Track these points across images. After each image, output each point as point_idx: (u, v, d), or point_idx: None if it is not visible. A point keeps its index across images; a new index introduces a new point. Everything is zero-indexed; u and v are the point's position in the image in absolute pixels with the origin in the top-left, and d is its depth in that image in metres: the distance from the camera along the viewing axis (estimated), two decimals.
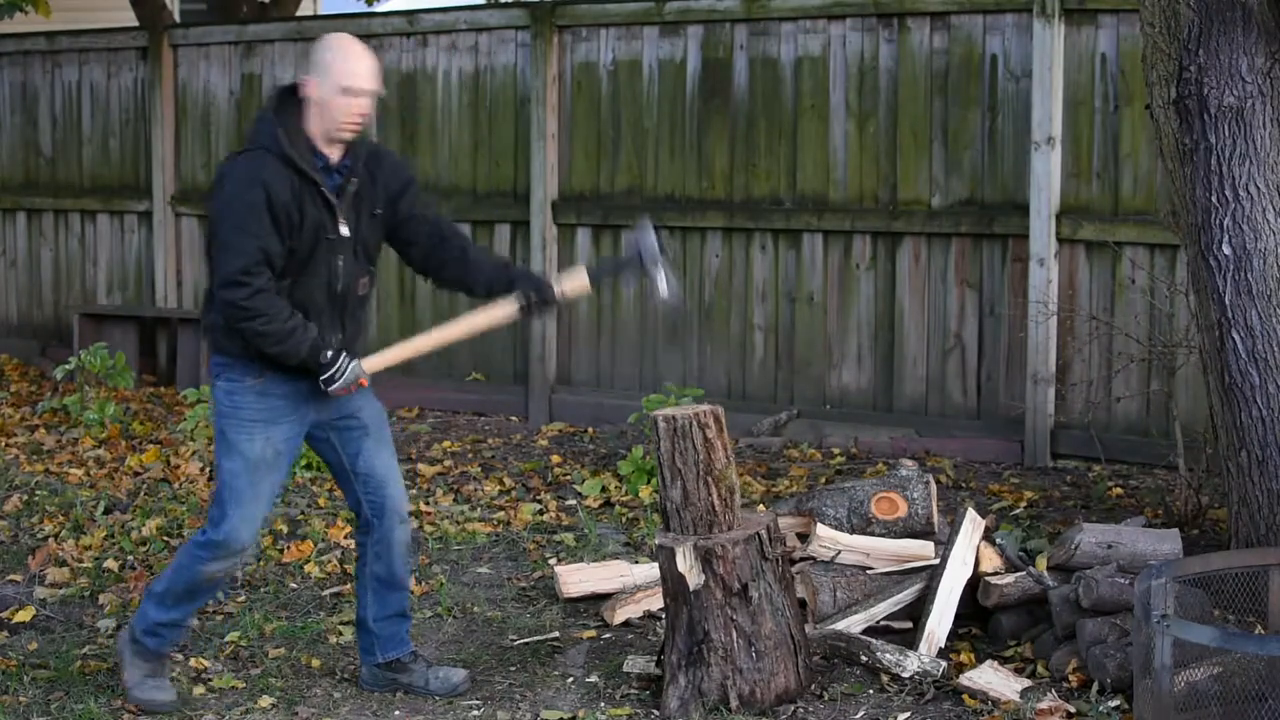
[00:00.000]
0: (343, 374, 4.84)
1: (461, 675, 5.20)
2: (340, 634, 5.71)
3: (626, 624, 5.78)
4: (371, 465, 5.05)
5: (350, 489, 5.10)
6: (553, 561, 6.52)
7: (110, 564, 6.52)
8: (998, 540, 5.61)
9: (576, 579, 6.03)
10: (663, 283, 4.97)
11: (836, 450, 8.33)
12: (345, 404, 5.00)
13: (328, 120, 4.81)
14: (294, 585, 6.31)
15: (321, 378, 4.85)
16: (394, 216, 5.03)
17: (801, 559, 5.65)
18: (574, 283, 5.09)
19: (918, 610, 5.45)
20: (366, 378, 4.91)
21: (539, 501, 7.51)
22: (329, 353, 4.83)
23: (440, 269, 5.12)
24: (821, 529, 5.64)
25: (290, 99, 4.86)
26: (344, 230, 4.87)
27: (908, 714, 4.90)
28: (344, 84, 4.78)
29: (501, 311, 5.03)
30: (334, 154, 4.87)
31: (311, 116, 4.82)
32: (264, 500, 4.97)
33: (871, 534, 5.71)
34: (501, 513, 7.32)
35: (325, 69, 4.79)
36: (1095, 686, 4.89)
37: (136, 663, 5.06)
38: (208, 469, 7.98)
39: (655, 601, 5.78)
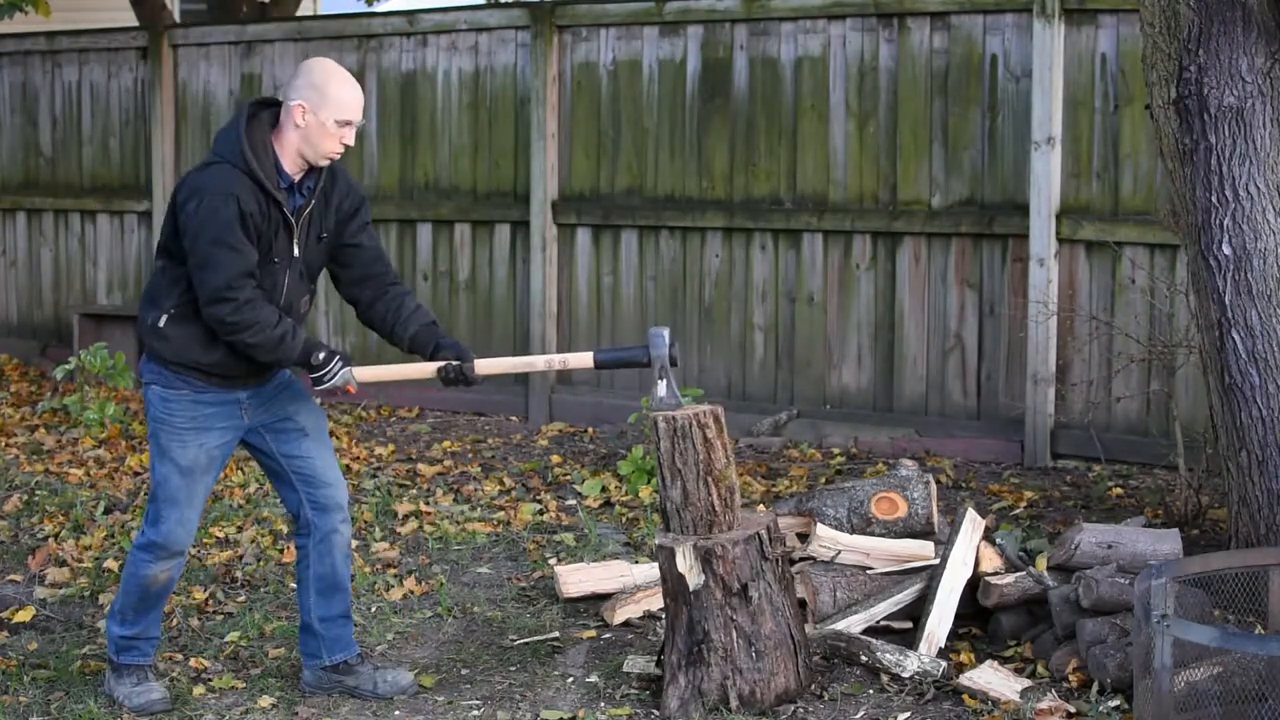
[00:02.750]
0: (333, 376, 4.87)
1: (408, 678, 5.19)
2: None
3: (627, 624, 5.78)
4: (313, 465, 5.06)
5: (290, 491, 5.10)
6: (553, 561, 6.52)
7: (110, 564, 6.52)
8: (998, 540, 5.61)
9: (576, 579, 6.03)
10: (663, 390, 5.00)
11: (836, 450, 8.33)
12: (280, 408, 5.02)
13: (314, 146, 4.81)
14: (294, 585, 6.30)
15: (312, 377, 4.89)
16: (339, 238, 5.02)
17: (801, 559, 5.65)
18: (577, 361, 5.10)
19: (918, 610, 5.45)
20: (355, 385, 4.92)
21: (539, 501, 7.51)
22: (321, 355, 4.85)
23: (371, 304, 5.07)
24: (821, 529, 5.64)
25: (261, 113, 4.85)
26: (295, 250, 4.88)
27: (908, 714, 4.90)
28: (341, 117, 4.79)
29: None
30: (298, 174, 4.87)
31: (290, 138, 4.81)
32: (198, 504, 5.00)
33: (871, 534, 5.71)
34: (501, 513, 7.32)
35: (323, 97, 4.77)
36: (1095, 686, 4.89)
37: (123, 681, 5.10)
38: None
39: (655, 601, 5.78)
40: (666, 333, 5.05)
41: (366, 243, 5.06)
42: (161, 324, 4.87)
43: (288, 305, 4.92)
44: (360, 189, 5.12)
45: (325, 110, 4.77)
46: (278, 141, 4.82)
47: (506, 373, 5.21)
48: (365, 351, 9.86)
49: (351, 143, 4.86)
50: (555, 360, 5.14)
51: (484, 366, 5.00)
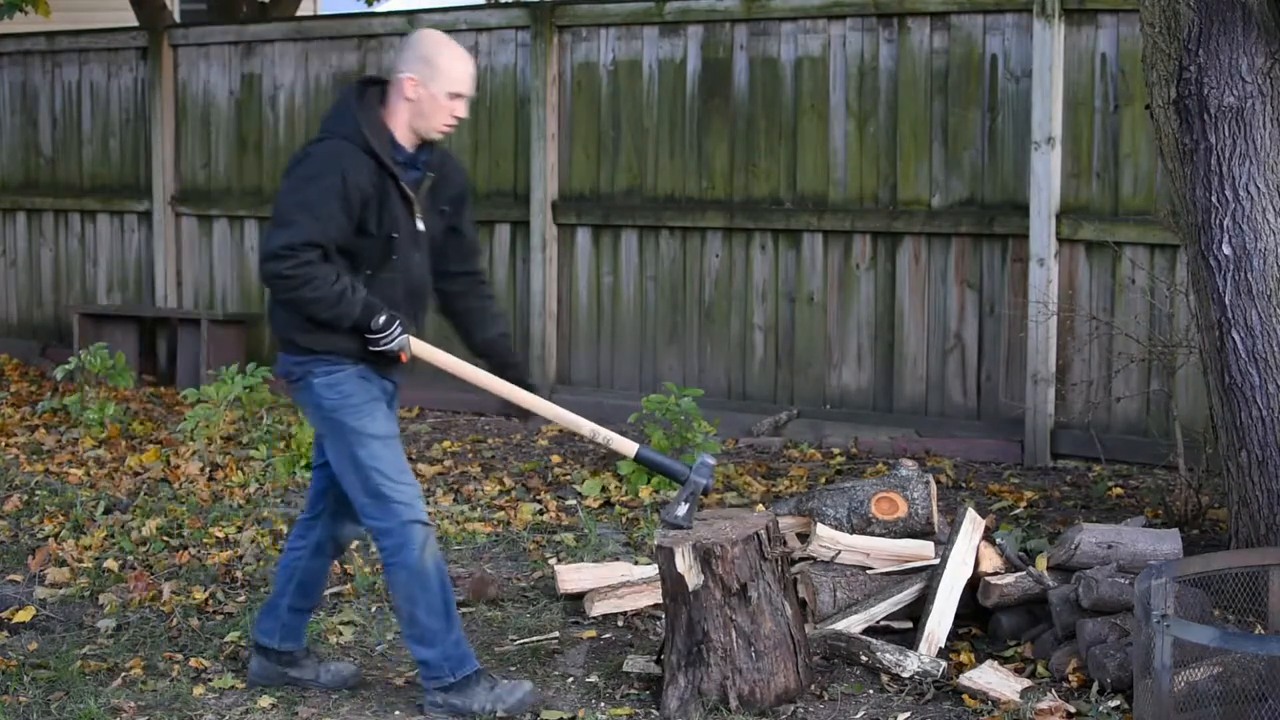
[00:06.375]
0: (390, 340, 4.75)
1: (351, 669, 5.20)
2: (340, 634, 5.70)
3: (628, 625, 5.77)
4: None
5: (333, 487, 4.98)
6: (553, 561, 6.52)
7: (110, 564, 6.52)
8: (998, 540, 5.61)
9: (576, 579, 6.03)
10: (682, 510, 4.97)
11: (836, 450, 8.33)
12: (393, 406, 4.95)
13: (425, 119, 4.78)
14: None
15: (370, 336, 4.74)
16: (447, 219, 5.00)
17: (801, 559, 5.65)
18: (620, 445, 5.05)
19: (918, 610, 5.45)
20: (409, 353, 4.81)
21: (539, 501, 7.51)
22: (382, 318, 4.72)
23: (459, 297, 5.05)
24: (821, 529, 5.63)
25: (370, 91, 4.81)
26: (419, 225, 4.84)
27: (908, 714, 4.90)
28: (452, 89, 4.76)
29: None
30: (413, 148, 4.84)
31: (401, 112, 4.78)
32: (409, 469, 4.85)
33: (871, 534, 5.71)
34: (501, 513, 7.32)
35: (434, 69, 4.75)
36: (1095, 686, 4.89)
37: (474, 692, 4.87)
38: (208, 469, 7.98)
39: (641, 599, 5.79)
40: (710, 468, 5.01)
41: (467, 232, 5.07)
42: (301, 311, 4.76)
43: (421, 281, 4.89)
44: (466, 176, 5.10)
45: (436, 82, 4.75)
46: (389, 117, 4.78)
47: (550, 418, 5.11)
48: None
49: (463, 114, 4.83)
50: (600, 434, 5.04)
51: (537, 405, 4.98)
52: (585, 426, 5.03)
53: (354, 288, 4.71)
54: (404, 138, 4.82)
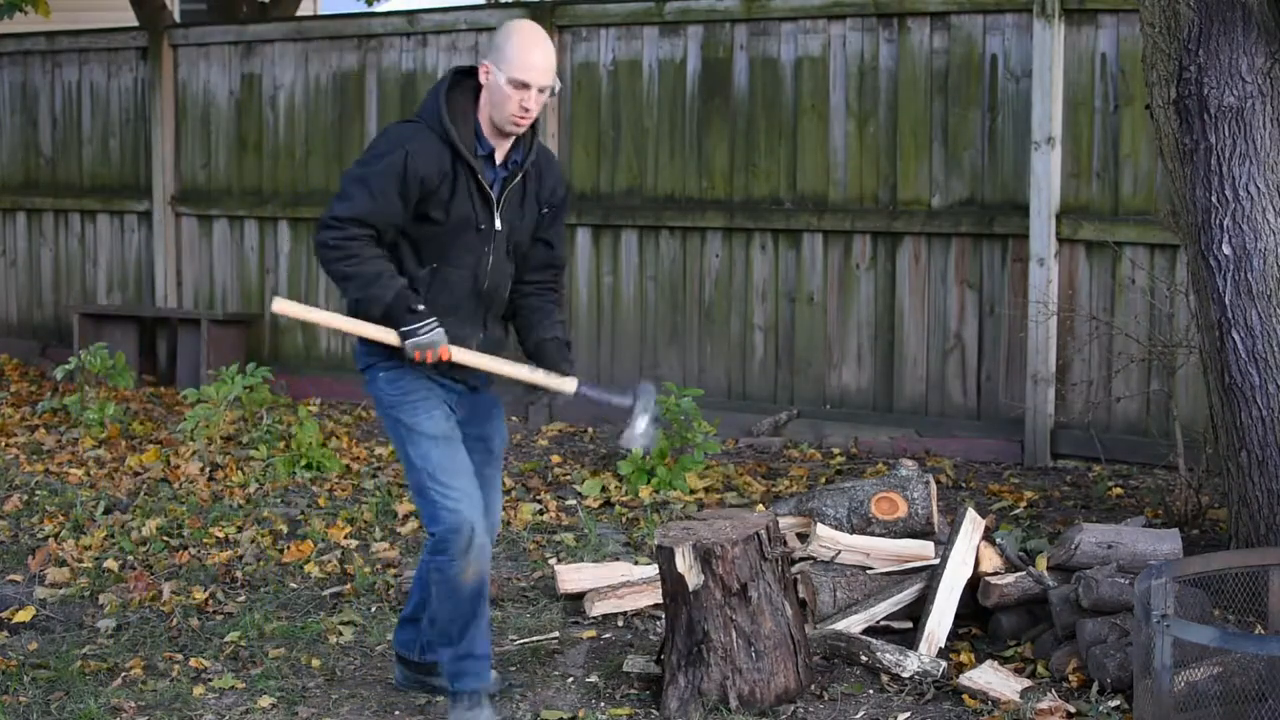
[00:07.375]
0: (425, 334, 4.59)
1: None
2: (340, 634, 5.71)
3: (627, 625, 5.78)
4: (485, 491, 4.86)
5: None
6: (553, 561, 6.52)
7: (110, 564, 6.52)
8: (998, 540, 5.61)
9: (576, 579, 6.03)
10: (640, 425, 4.82)
11: (836, 450, 8.33)
12: (480, 418, 4.86)
13: (497, 109, 4.62)
14: (294, 585, 6.31)
15: (401, 329, 4.59)
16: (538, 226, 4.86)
17: (801, 559, 5.65)
18: (559, 384, 4.81)
19: (918, 610, 5.45)
20: (449, 349, 4.63)
21: (539, 501, 7.51)
22: (419, 306, 4.59)
23: (525, 297, 4.88)
24: (821, 529, 5.63)
25: (466, 81, 4.71)
26: (498, 224, 4.70)
27: (908, 714, 4.90)
28: (515, 75, 4.57)
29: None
30: (501, 146, 4.70)
31: (483, 103, 4.66)
32: (468, 473, 4.71)
33: (871, 534, 5.71)
34: (502, 513, 7.31)
35: (501, 54, 4.61)
36: (1095, 686, 4.89)
37: (456, 707, 4.83)
38: (208, 469, 7.98)
39: (641, 599, 5.79)
40: (654, 392, 4.91)
41: (555, 243, 4.89)
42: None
43: (494, 284, 4.75)
44: (565, 188, 4.95)
45: (501, 69, 4.59)
46: (480, 108, 4.67)
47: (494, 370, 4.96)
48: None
49: (531, 107, 4.61)
50: (538, 374, 4.79)
51: (470, 357, 4.77)
52: (522, 370, 4.83)
53: (393, 274, 4.60)
54: (489, 131, 4.68)
